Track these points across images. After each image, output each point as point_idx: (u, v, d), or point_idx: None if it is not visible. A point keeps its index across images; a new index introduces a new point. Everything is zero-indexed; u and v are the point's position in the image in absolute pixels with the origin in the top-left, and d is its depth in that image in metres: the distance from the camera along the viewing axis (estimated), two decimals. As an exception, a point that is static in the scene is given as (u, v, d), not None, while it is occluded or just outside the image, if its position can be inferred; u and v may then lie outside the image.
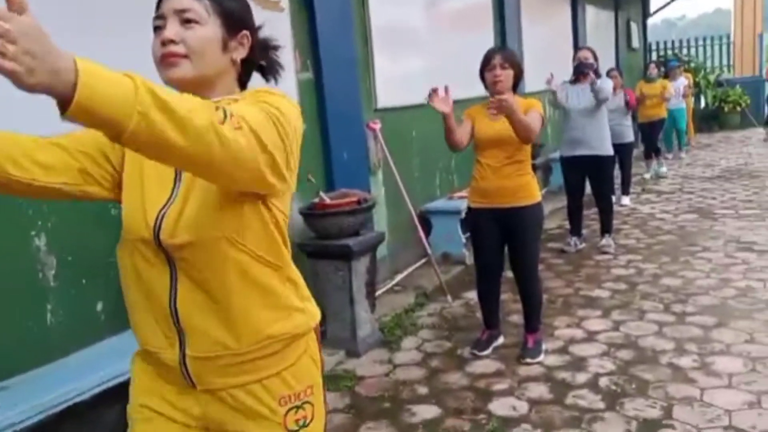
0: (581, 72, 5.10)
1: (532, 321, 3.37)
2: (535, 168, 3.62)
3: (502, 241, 3.28)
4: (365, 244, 3.47)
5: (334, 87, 4.01)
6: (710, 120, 14.57)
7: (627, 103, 6.56)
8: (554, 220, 6.46)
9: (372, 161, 4.53)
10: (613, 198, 7.03)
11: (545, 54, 7.97)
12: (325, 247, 3.42)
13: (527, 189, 3.19)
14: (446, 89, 2.96)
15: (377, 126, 4.54)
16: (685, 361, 3.13)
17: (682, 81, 9.88)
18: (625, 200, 7.07)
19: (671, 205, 6.86)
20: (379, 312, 4.02)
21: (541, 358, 3.27)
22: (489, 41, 6.62)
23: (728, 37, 16.10)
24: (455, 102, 3.02)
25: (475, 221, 3.33)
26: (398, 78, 4.92)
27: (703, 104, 14.83)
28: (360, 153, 4.32)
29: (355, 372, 3.31)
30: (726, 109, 14.45)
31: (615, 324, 3.70)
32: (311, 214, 3.44)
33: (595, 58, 5.18)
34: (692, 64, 14.63)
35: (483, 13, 6.69)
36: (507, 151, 3.14)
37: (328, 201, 3.44)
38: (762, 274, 4.33)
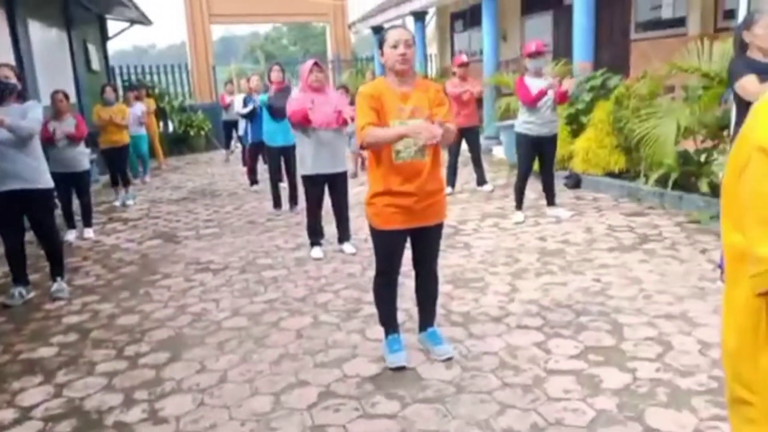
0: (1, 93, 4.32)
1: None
2: None
3: None
4: None
5: None
6: (180, 143, 15.33)
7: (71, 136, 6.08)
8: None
9: None
10: (74, 232, 6.43)
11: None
12: None
13: None
14: None
15: None
16: (133, 415, 2.83)
17: (140, 107, 9.92)
18: (89, 233, 6.51)
19: (137, 232, 6.67)
20: None
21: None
22: None
23: (186, 67, 17.30)
24: None
25: None
26: None
27: (171, 128, 15.51)
28: None
29: None
30: (192, 132, 15.47)
31: (58, 388, 3.14)
32: None
33: (19, 78, 4.49)
34: (157, 90, 15.10)
35: None
36: None
37: None
38: (216, 294, 4.50)
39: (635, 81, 7.07)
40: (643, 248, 4.87)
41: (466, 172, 8.28)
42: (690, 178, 6.01)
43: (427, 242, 3.15)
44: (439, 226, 3.13)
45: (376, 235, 3.09)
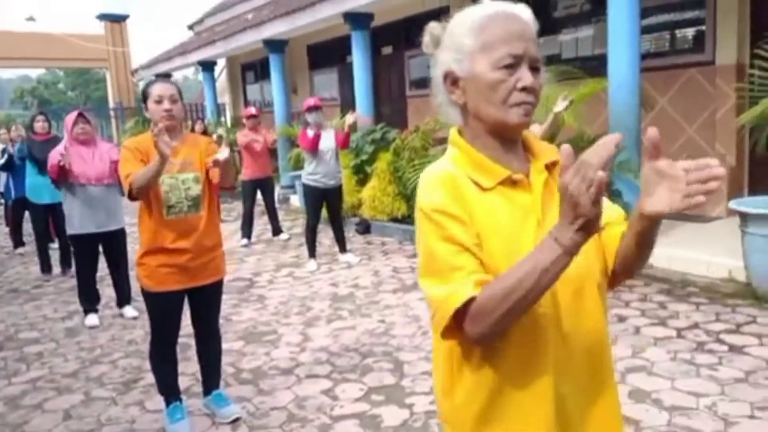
0: None
1: None
2: None
3: None
4: None
5: None
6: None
7: None
8: None
9: None
10: None
11: None
12: None
13: None
14: None
15: None
16: None
17: None
18: None
19: None
20: None
21: None
22: None
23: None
24: None
25: None
26: None
27: None
28: None
29: None
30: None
31: None
32: None
33: None
34: None
35: None
36: None
37: None
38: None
39: (409, 134, 7.74)
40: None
41: (262, 223, 8.26)
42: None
43: (206, 302, 3.05)
44: (219, 284, 3.07)
45: (150, 297, 2.92)
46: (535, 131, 3.91)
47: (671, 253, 5.24)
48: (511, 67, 1.08)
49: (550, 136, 4.83)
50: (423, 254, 1.12)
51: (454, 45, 1.13)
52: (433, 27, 1.17)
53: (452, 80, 1.14)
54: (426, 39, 1.18)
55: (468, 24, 1.11)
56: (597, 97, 6.18)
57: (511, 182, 1.13)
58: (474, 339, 1.07)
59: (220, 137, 6.93)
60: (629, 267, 1.17)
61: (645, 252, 1.12)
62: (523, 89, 1.08)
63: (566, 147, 0.95)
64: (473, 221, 1.09)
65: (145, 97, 2.84)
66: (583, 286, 1.13)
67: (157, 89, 2.80)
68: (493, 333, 1.05)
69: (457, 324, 1.06)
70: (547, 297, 1.06)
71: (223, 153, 2.72)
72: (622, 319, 4.16)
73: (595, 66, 6.70)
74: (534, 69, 1.10)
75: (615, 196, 5.51)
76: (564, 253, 0.96)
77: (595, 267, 1.15)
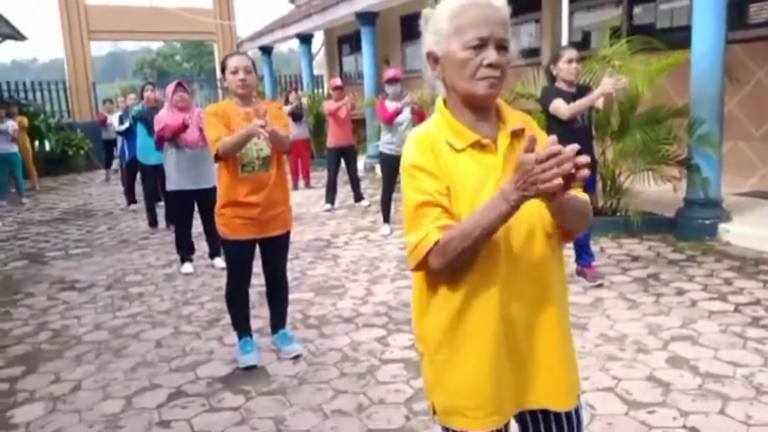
0: None
1: None
2: None
3: None
4: None
5: None
6: (57, 164, 14.67)
7: None
8: None
9: None
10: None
11: None
12: None
13: None
14: None
15: None
16: (-21, 426, 2.90)
17: (11, 124, 9.54)
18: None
19: (1, 254, 6.46)
20: None
21: None
22: None
23: (64, 84, 16.62)
24: None
25: None
26: None
27: (48, 148, 14.80)
28: None
29: None
30: (71, 152, 14.86)
31: None
32: None
33: None
34: (31, 108, 14.41)
35: None
36: None
37: None
38: (79, 311, 4.54)
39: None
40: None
41: (346, 190, 8.67)
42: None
43: (274, 251, 3.44)
44: (285, 236, 3.44)
45: (226, 244, 3.35)
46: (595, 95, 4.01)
47: (750, 231, 5.08)
48: (479, 47, 1.28)
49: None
50: (403, 202, 1.36)
51: (435, 28, 1.34)
52: (426, 12, 1.39)
53: (434, 58, 1.35)
54: (422, 22, 1.39)
55: (446, 11, 1.32)
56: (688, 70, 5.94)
57: (480, 146, 1.34)
58: (436, 269, 1.31)
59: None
60: (565, 226, 1.36)
61: (564, 217, 1.32)
62: (489, 66, 1.28)
63: (532, 135, 1.15)
64: (445, 176, 1.31)
65: (223, 68, 3.23)
66: (534, 229, 1.34)
67: (234, 61, 3.17)
68: (452, 264, 1.29)
69: (426, 260, 1.30)
70: (502, 236, 1.29)
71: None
72: (681, 292, 4.15)
73: (687, 37, 6.41)
74: (501, 48, 1.29)
75: (693, 170, 5.38)
76: (508, 206, 1.19)
77: (546, 217, 1.34)
